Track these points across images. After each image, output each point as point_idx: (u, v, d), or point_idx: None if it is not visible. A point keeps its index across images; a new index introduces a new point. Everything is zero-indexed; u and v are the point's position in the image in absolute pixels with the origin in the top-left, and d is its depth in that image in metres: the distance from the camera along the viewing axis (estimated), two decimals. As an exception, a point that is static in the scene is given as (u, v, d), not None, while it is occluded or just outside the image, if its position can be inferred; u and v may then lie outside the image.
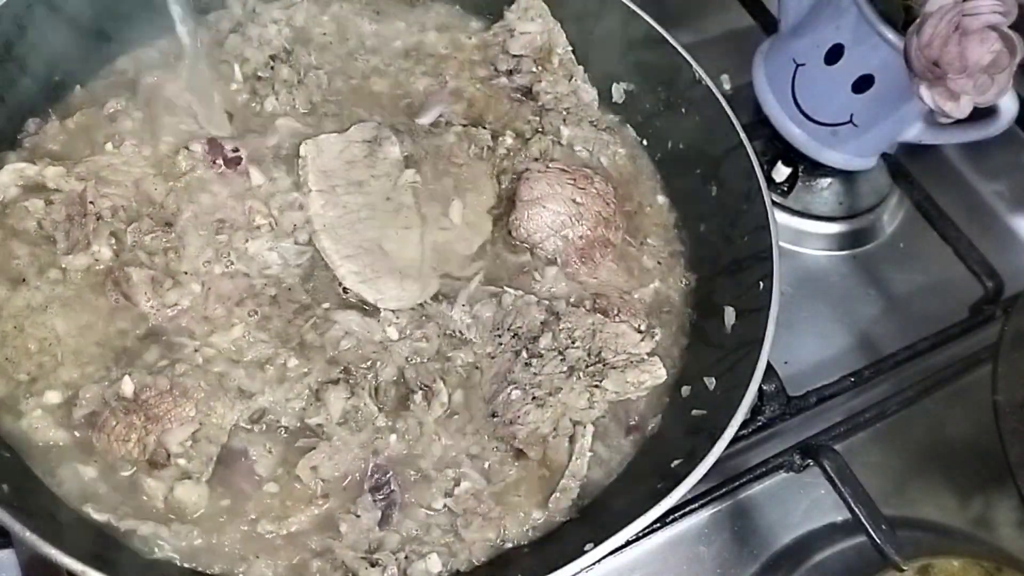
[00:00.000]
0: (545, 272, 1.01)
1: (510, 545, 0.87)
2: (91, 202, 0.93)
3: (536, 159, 1.08)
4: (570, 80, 1.17)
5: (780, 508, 1.07)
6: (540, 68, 1.17)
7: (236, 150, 1.00)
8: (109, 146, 0.99)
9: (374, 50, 1.17)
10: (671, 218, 1.13)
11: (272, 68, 1.08)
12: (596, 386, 0.92)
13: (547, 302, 0.98)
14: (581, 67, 1.19)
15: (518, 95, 1.16)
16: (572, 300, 0.99)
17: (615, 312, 0.99)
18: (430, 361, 0.93)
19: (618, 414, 0.96)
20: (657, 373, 0.94)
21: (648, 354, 0.96)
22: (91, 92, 1.06)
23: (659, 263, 1.08)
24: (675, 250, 1.10)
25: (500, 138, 1.09)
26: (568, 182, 1.04)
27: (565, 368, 0.93)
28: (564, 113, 1.14)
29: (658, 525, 0.94)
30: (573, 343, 0.95)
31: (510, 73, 1.17)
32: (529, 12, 1.18)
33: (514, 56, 1.17)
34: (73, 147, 1.00)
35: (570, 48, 1.19)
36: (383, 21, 1.19)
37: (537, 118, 1.14)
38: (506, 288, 0.98)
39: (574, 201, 1.03)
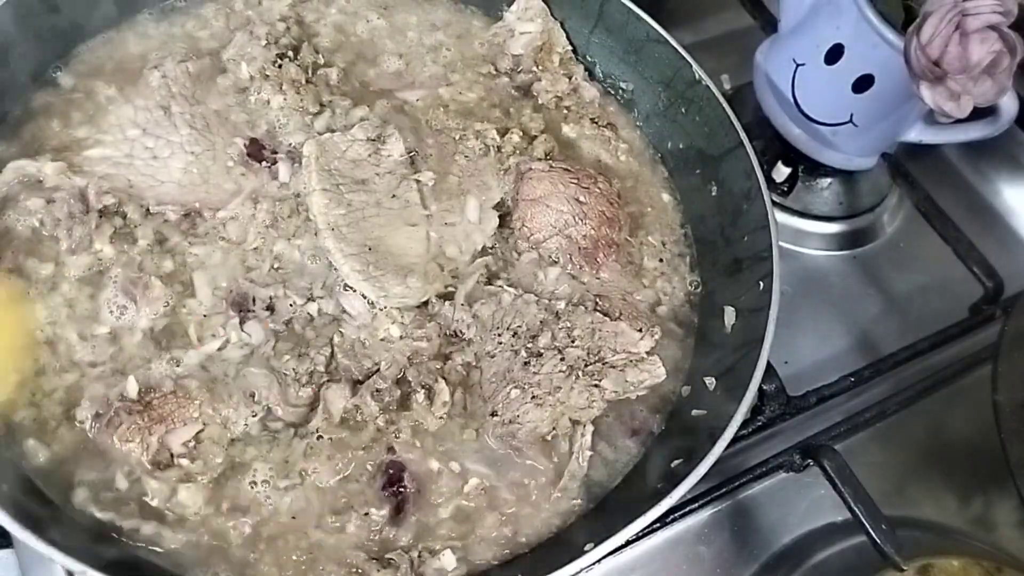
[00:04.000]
0: (548, 272, 1.01)
1: (523, 540, 0.87)
2: (93, 198, 0.93)
3: (540, 159, 1.08)
4: (570, 79, 1.17)
5: (780, 508, 1.07)
6: (540, 68, 1.17)
7: (275, 151, 1.02)
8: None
9: (384, 45, 1.17)
10: (675, 217, 1.13)
11: (280, 67, 1.08)
12: (595, 385, 0.92)
13: (547, 301, 0.98)
14: (581, 66, 1.20)
15: (519, 94, 1.17)
16: (574, 300, 0.99)
17: (616, 314, 0.99)
18: (431, 360, 0.93)
19: (621, 415, 0.96)
20: (656, 372, 0.94)
21: (647, 353, 0.95)
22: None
23: (661, 261, 1.08)
24: (680, 251, 1.10)
25: (507, 135, 1.09)
26: (571, 181, 1.04)
27: (564, 367, 0.93)
28: (565, 111, 1.15)
29: (658, 525, 0.93)
30: (572, 342, 0.95)
31: (510, 72, 1.18)
32: (528, 12, 1.18)
33: (514, 56, 1.18)
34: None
35: (570, 48, 1.19)
36: (390, 16, 1.19)
37: (540, 115, 1.14)
38: (505, 287, 0.98)
39: (577, 200, 1.03)
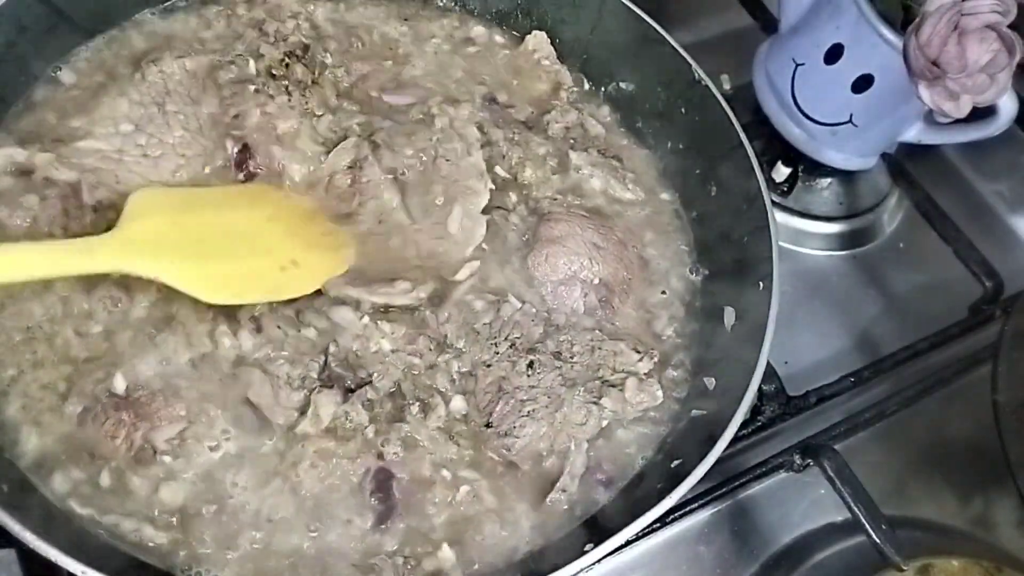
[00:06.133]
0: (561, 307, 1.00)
1: (519, 545, 0.86)
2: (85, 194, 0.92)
3: (554, 199, 1.07)
4: (579, 113, 1.16)
5: (780, 508, 1.07)
6: (548, 102, 1.17)
7: (258, 166, 1.01)
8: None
9: (404, 53, 1.17)
10: (677, 226, 1.12)
11: (287, 66, 1.07)
12: (594, 403, 0.92)
13: (546, 315, 0.97)
14: (591, 103, 1.19)
15: (525, 123, 1.14)
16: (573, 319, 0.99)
17: (617, 334, 0.98)
18: (424, 373, 0.92)
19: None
20: (655, 395, 0.94)
21: (646, 375, 0.95)
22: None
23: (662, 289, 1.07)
24: (679, 249, 1.10)
25: (519, 175, 1.08)
26: (590, 226, 1.03)
27: (563, 382, 0.92)
28: (572, 141, 1.13)
29: (658, 525, 0.93)
30: (572, 357, 0.94)
31: (513, 107, 1.16)
32: (536, 54, 1.19)
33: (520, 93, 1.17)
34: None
35: (574, 89, 1.19)
36: (413, 25, 1.19)
37: (548, 143, 1.11)
38: (510, 297, 0.97)
39: (595, 245, 1.01)
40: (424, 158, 1.04)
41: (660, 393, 0.94)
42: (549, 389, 0.92)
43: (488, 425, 0.90)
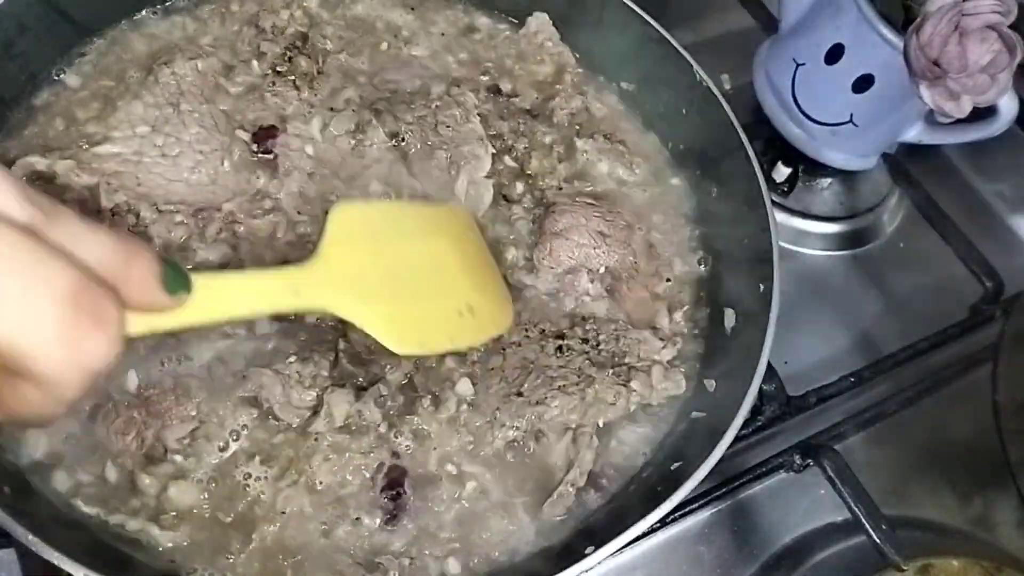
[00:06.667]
0: (564, 303, 1.00)
1: (522, 545, 0.87)
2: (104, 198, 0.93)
3: (560, 188, 1.07)
4: (583, 96, 1.16)
5: (780, 508, 1.07)
6: (552, 86, 1.17)
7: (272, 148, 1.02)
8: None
9: (407, 38, 1.17)
10: (684, 207, 1.13)
11: (290, 60, 1.07)
12: (623, 384, 0.93)
13: (560, 306, 0.98)
14: (593, 85, 1.19)
15: (529, 112, 1.14)
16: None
17: (639, 323, 1.00)
18: (437, 362, 0.92)
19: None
20: (679, 383, 0.95)
21: (669, 362, 0.96)
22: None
23: (667, 275, 1.07)
24: (684, 238, 1.10)
25: (526, 165, 1.08)
26: (595, 215, 1.03)
27: (591, 364, 0.93)
28: (578, 127, 1.13)
29: (658, 525, 0.93)
30: (598, 345, 0.96)
31: (517, 95, 1.16)
32: (539, 36, 1.18)
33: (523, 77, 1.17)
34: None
35: (579, 70, 1.19)
36: (421, 14, 1.19)
37: (553, 130, 1.12)
38: (530, 282, 0.99)
39: (601, 233, 1.02)
40: (424, 125, 1.05)
41: (684, 382, 0.95)
42: (579, 370, 0.93)
43: (519, 394, 0.91)
